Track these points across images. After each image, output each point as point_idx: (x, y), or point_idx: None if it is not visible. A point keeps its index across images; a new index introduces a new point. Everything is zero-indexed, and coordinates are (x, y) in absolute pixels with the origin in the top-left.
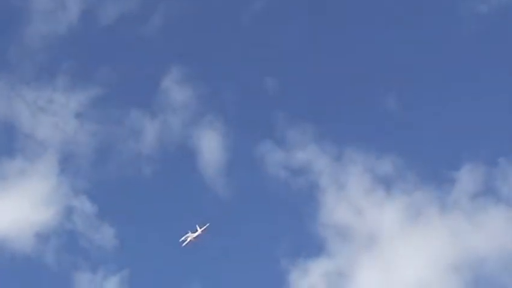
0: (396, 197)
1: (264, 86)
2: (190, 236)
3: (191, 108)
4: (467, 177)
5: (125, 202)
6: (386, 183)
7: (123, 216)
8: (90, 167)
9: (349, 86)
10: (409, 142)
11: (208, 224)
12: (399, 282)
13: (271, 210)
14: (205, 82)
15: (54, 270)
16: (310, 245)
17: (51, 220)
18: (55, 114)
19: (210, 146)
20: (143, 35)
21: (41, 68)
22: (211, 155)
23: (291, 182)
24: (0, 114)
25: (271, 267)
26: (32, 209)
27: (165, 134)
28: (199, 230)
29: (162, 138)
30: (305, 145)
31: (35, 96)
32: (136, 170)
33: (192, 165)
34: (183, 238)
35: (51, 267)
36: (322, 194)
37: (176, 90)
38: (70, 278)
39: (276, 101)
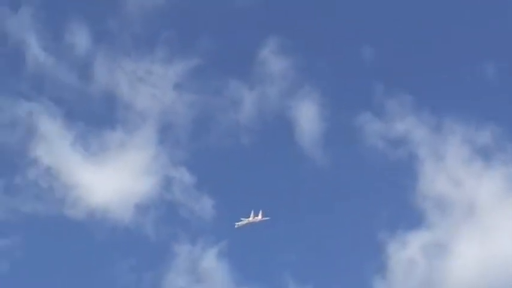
0: (495, 168)
1: (361, 56)
2: (251, 218)
3: (289, 78)
4: None
5: (224, 172)
6: (486, 154)
7: (222, 186)
8: (189, 137)
9: (447, 55)
10: (509, 112)
11: (268, 218)
12: (498, 253)
13: (369, 181)
14: (302, 53)
15: (153, 241)
16: (409, 217)
17: (151, 191)
18: (154, 85)
19: (308, 117)
20: (241, 5)
21: (140, 39)
22: (309, 126)
23: (389, 153)
24: (101, 85)
25: (369, 238)
26: (131, 179)
27: (263, 105)
28: (259, 217)
29: (260, 108)
30: (403, 116)
31: (134, 67)
32: (235, 141)
33: (290, 136)
34: (239, 223)
35: (151, 238)
36: (420, 165)
37: (274, 61)
38: (169, 249)
39: (373, 71)
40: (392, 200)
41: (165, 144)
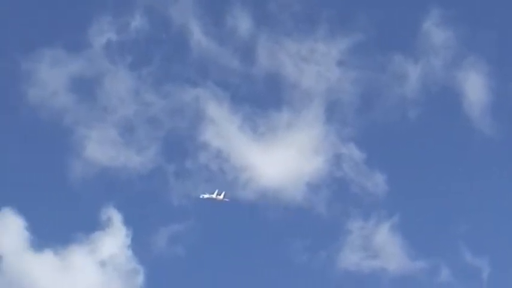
0: None
1: None
2: (214, 195)
3: (453, 49)
4: None
5: (393, 147)
6: None
7: (392, 161)
8: (356, 114)
9: None
10: None
11: (228, 200)
12: None
13: None
14: (465, 23)
15: (325, 218)
16: None
17: (321, 169)
18: (318, 64)
19: (474, 87)
20: None
21: (301, 18)
22: (475, 96)
23: None
24: (265, 66)
25: None
26: (301, 159)
27: (428, 77)
28: (221, 197)
29: (425, 81)
30: None
31: (297, 47)
32: (402, 114)
33: (457, 107)
34: (206, 195)
35: (323, 216)
36: None
37: (437, 33)
38: (342, 226)
39: None
40: None
41: (333, 122)
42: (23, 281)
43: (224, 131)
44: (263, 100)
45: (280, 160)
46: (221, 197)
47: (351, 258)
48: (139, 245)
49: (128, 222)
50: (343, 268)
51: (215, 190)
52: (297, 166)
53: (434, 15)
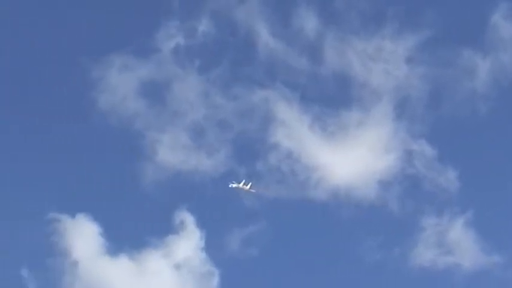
0: None
1: None
2: (241, 185)
3: None
4: None
5: (464, 142)
6: None
7: (464, 157)
8: (426, 110)
9: None
10: None
11: (254, 191)
12: None
13: None
14: None
15: (398, 216)
16: None
17: (393, 166)
18: (386, 62)
19: None
20: None
21: (368, 16)
22: None
23: None
24: (332, 66)
25: None
26: (372, 157)
27: (498, 71)
28: (247, 187)
29: (495, 75)
30: None
31: (364, 46)
32: (472, 109)
33: None
34: (235, 185)
35: (396, 213)
36: None
37: (506, 26)
38: (415, 223)
39: None
40: None
41: (403, 119)
42: (99, 286)
43: (294, 132)
44: (332, 99)
45: (351, 159)
46: (248, 187)
47: (425, 255)
48: (213, 248)
49: (201, 225)
50: (417, 265)
51: (248, 182)
52: (368, 164)
53: (502, 8)
